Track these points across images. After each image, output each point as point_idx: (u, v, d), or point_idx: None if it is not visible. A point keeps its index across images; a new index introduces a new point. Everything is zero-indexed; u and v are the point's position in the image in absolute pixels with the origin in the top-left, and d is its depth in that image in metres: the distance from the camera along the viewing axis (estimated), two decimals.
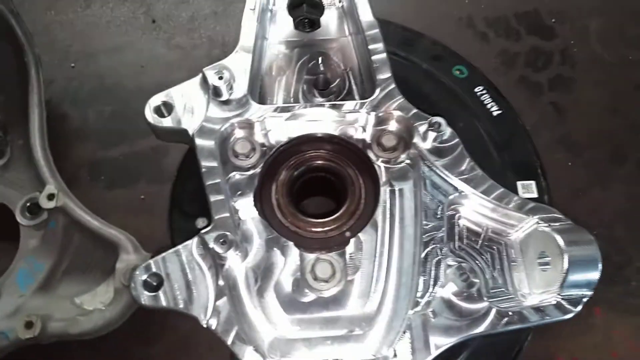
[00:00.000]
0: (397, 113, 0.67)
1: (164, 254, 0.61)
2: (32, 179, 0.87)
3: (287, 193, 0.68)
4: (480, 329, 0.58)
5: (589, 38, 1.04)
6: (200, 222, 0.72)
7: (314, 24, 0.72)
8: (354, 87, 0.74)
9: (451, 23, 1.01)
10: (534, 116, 0.95)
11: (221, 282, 0.59)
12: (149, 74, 0.99)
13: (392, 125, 0.68)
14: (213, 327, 0.58)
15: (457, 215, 0.65)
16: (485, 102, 0.77)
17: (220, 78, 0.68)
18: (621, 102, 0.99)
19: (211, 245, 0.59)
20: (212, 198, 0.63)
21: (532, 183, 0.73)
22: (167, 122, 0.68)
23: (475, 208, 0.64)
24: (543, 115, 0.96)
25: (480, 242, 0.65)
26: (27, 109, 0.87)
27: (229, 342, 0.57)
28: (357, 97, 0.74)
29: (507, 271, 0.64)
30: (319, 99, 0.73)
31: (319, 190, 0.74)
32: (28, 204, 0.83)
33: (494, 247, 0.65)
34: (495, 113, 0.77)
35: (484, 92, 0.78)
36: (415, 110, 0.68)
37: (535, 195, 0.72)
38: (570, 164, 0.93)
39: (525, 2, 1.06)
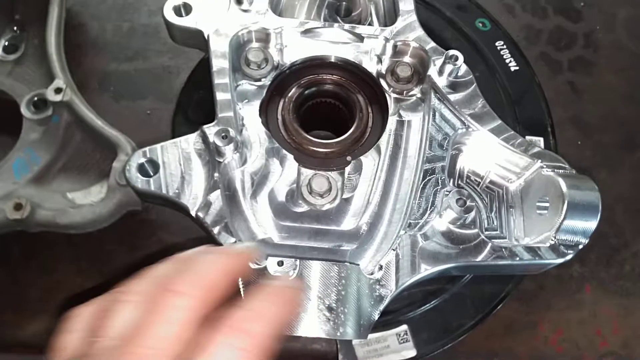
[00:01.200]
0: (414, 44, 0.67)
1: (162, 143, 0.61)
2: (43, 76, 0.86)
3: (293, 110, 0.68)
4: (470, 258, 0.58)
5: (615, 26, 1.03)
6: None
7: None
8: (374, 18, 0.74)
9: None
10: (550, 92, 0.93)
11: (216, 175, 0.59)
12: None
13: (408, 56, 0.68)
14: (202, 217, 0.57)
15: (460, 155, 0.64)
16: (504, 56, 0.77)
17: None
18: (639, 91, 0.98)
19: (211, 138, 0.59)
20: (219, 96, 0.63)
21: (541, 139, 0.72)
22: (184, 21, 0.68)
23: (480, 148, 0.64)
24: (558, 93, 0.95)
25: (481, 183, 0.64)
26: (47, 7, 0.88)
27: (216, 232, 0.56)
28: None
29: (505, 215, 0.63)
30: (332, 23, 0.72)
31: (325, 121, 0.73)
32: (35, 99, 0.83)
33: (494, 190, 0.64)
34: (512, 68, 0.76)
35: (504, 47, 0.77)
36: (433, 44, 0.67)
37: None
38: (579, 142, 0.92)
39: None
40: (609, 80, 0.99)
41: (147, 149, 0.60)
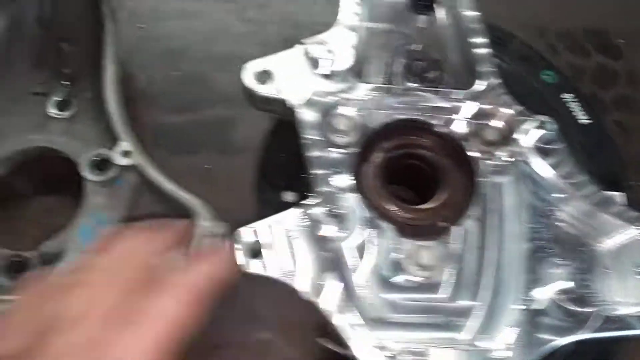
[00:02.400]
0: (502, 108, 0.67)
1: (265, 221, 0.60)
2: (100, 134, 0.84)
3: (382, 176, 0.67)
4: (589, 331, 0.58)
5: None
6: (288, 195, 0.70)
7: (430, 7, 0.72)
8: (446, 78, 0.74)
9: (525, 32, 1.01)
10: None
11: (325, 256, 0.58)
12: (219, 43, 0.97)
13: (495, 119, 0.68)
14: (317, 302, 0.56)
15: (556, 217, 0.65)
16: (572, 109, 0.78)
17: (327, 51, 0.67)
18: None
19: (318, 217, 0.58)
20: (315, 171, 0.62)
21: (623, 195, 0.73)
22: (266, 89, 0.67)
23: (575, 211, 0.65)
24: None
25: (574, 246, 0.65)
26: (99, 62, 0.85)
27: (334, 320, 0.56)
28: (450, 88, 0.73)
29: (599, 278, 0.64)
30: (415, 85, 0.72)
31: (408, 179, 0.73)
32: (96, 159, 0.80)
33: (586, 252, 0.65)
34: (583, 122, 0.77)
35: (574, 99, 0.78)
36: (521, 108, 0.68)
37: None
38: (632, 183, 0.94)
39: (595, 20, 1.07)
40: None
41: (253, 228, 0.58)
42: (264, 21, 1.00)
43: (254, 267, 0.58)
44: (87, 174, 0.80)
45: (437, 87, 0.70)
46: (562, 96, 0.79)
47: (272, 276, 0.58)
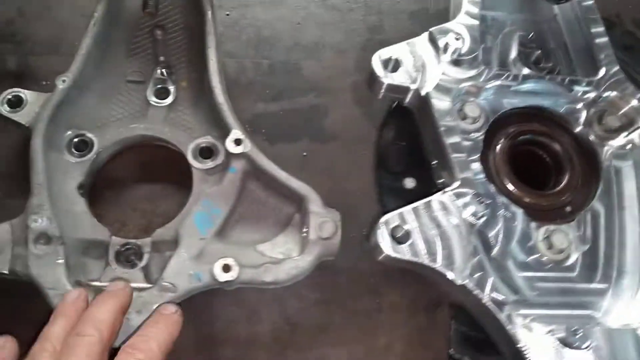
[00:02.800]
0: (626, 98, 0.69)
1: (407, 208, 0.61)
2: (201, 123, 0.84)
3: (507, 161, 0.69)
4: None
5: None
6: (408, 182, 0.71)
7: None
8: (562, 66, 0.75)
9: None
10: None
11: (469, 239, 0.60)
12: (306, 31, 0.97)
13: (618, 107, 0.70)
14: (468, 285, 0.58)
15: None
16: None
17: (454, 39, 0.68)
18: None
19: (467, 202, 0.59)
20: (455, 157, 0.63)
21: None
22: (395, 77, 0.68)
23: None
24: None
25: None
26: (195, 51, 0.85)
27: (485, 298, 0.57)
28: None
29: None
30: (536, 73, 0.73)
31: (530, 165, 0.74)
32: (201, 147, 0.81)
33: None
34: None
35: None
36: None
37: None
38: None
39: None
40: None
41: (397, 213, 0.60)
42: (347, 9, 1.00)
43: (401, 252, 0.59)
44: (195, 162, 0.81)
45: (555, 75, 0.71)
46: None
47: (418, 261, 0.59)
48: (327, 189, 0.78)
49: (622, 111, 0.69)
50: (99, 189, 0.82)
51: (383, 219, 0.59)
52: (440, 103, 0.66)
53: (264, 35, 0.96)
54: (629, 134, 0.69)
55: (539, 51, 0.73)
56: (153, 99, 0.85)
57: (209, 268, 0.71)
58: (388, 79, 0.67)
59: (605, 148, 0.69)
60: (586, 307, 0.61)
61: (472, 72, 0.68)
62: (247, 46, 0.96)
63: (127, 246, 0.76)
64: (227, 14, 0.97)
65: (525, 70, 0.71)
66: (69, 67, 0.79)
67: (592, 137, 0.69)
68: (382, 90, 0.70)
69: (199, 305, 0.78)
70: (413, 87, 0.66)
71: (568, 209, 0.67)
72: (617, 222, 0.65)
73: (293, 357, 0.76)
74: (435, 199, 0.60)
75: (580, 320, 0.59)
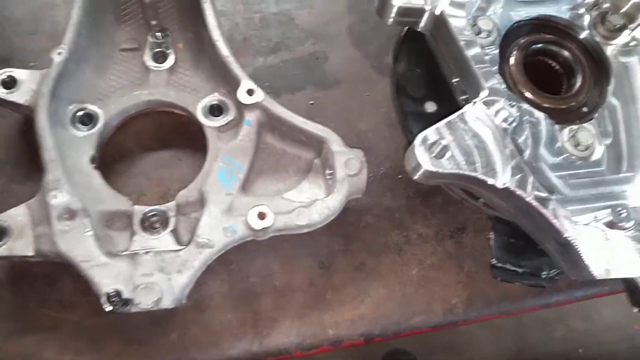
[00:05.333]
0: None
1: (441, 123, 0.61)
2: (205, 81, 0.83)
3: (523, 71, 0.70)
4: None
5: None
6: (429, 105, 0.72)
7: None
8: None
9: None
10: None
11: (509, 145, 0.60)
12: None
13: (618, 6, 0.71)
14: (510, 187, 0.59)
15: None
16: None
17: None
18: None
19: (499, 108, 0.60)
20: (479, 67, 0.64)
21: None
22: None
23: None
24: None
25: None
26: (188, 10, 0.83)
27: (529, 197, 0.59)
28: None
29: None
30: None
31: (543, 74, 0.75)
32: (210, 105, 0.79)
33: None
34: None
35: None
36: None
37: None
38: None
39: None
40: None
41: (433, 129, 0.60)
42: None
43: (441, 166, 0.59)
44: (207, 121, 0.79)
45: None
46: None
47: (460, 172, 0.59)
48: (339, 133, 0.77)
49: (623, 9, 0.71)
50: (110, 161, 0.80)
51: (420, 136, 0.59)
52: (456, 20, 0.66)
53: None
54: (632, 30, 0.71)
55: None
56: (151, 64, 0.83)
57: (242, 219, 0.70)
58: (400, 1, 0.66)
59: (611, 47, 0.71)
60: (618, 197, 0.63)
61: None
62: (236, 2, 0.94)
63: (152, 213, 0.75)
64: None
65: None
66: (54, 44, 0.76)
67: (597, 39, 0.71)
68: (393, 15, 0.69)
69: (233, 264, 0.77)
70: (427, 7, 0.66)
71: (585, 109, 0.69)
72: (633, 113, 0.67)
73: (332, 297, 0.77)
74: (468, 109, 0.61)
75: (614, 208, 0.61)
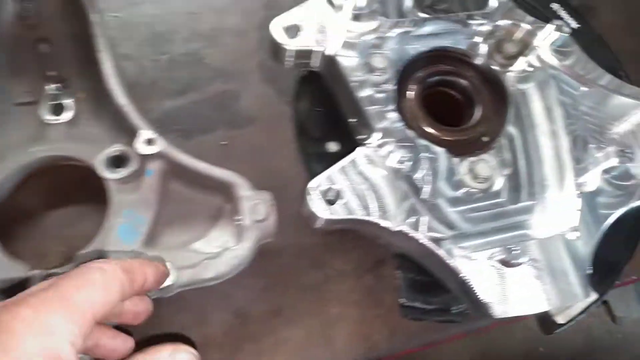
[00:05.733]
0: (518, 24, 0.71)
1: (332, 169, 0.60)
2: (107, 132, 0.79)
3: (421, 105, 0.69)
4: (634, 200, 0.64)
5: None
6: (331, 145, 0.70)
7: None
8: (455, 5, 0.76)
9: None
10: None
11: (398, 186, 0.59)
12: (202, 19, 0.93)
13: (512, 34, 0.72)
14: (405, 229, 0.58)
15: (583, 110, 0.70)
16: (563, 16, 0.83)
17: None
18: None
19: (390, 150, 0.59)
20: (370, 109, 0.63)
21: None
22: (298, 42, 0.66)
23: (596, 101, 0.70)
24: None
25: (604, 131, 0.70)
26: (87, 58, 0.79)
27: (422, 239, 0.57)
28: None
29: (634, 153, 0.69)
30: (431, 15, 0.74)
31: (443, 106, 0.75)
32: (111, 157, 0.76)
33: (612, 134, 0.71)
34: (573, 27, 0.83)
35: (560, 7, 0.83)
36: (531, 18, 0.72)
37: None
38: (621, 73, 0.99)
39: None
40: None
41: (325, 176, 0.58)
42: None
43: (336, 212, 0.58)
44: (107, 174, 0.75)
45: (450, 14, 0.73)
46: (551, 6, 0.84)
47: (354, 217, 0.58)
48: (253, 173, 0.75)
49: (516, 35, 0.71)
50: (9, 224, 0.75)
51: (311, 184, 0.58)
52: (348, 60, 0.65)
53: (159, 30, 0.92)
54: (527, 57, 0.71)
55: None
56: (50, 117, 0.79)
57: None
58: (291, 45, 0.65)
59: (509, 74, 0.71)
60: (519, 227, 0.62)
61: (374, 25, 0.68)
62: (142, 45, 0.91)
63: (50, 277, 0.71)
64: (116, 16, 0.92)
65: (420, 15, 0.72)
66: None
67: (495, 67, 0.71)
68: (288, 58, 0.68)
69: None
70: (318, 48, 0.65)
71: (485, 138, 0.68)
72: (531, 141, 0.67)
73: (249, 349, 0.74)
74: (359, 153, 0.60)
75: (516, 240, 0.61)
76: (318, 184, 0.57)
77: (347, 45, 0.65)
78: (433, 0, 0.74)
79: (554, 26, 0.68)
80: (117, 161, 0.78)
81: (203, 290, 0.73)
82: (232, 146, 0.85)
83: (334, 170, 0.59)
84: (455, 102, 0.73)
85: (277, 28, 0.66)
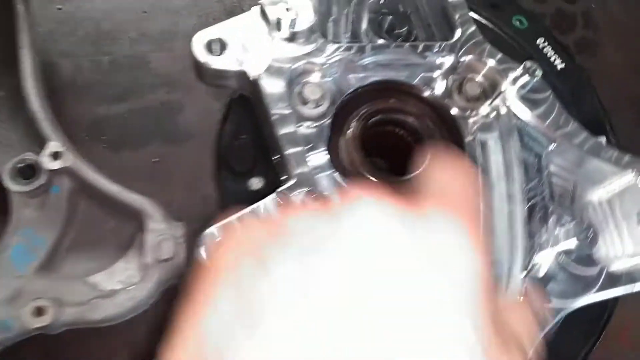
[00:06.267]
0: (483, 58, 0.61)
1: (230, 219, 0.51)
2: (23, 138, 0.71)
3: (360, 147, 0.59)
4: (594, 291, 0.53)
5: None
6: (255, 182, 0.61)
7: None
8: (416, 32, 0.66)
9: None
10: None
11: None
12: (153, 20, 0.85)
13: (478, 72, 0.61)
14: None
15: (550, 172, 0.60)
16: (548, 54, 0.73)
17: (286, 10, 0.57)
18: None
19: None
20: (289, 150, 0.53)
21: (603, 138, 0.69)
22: (221, 61, 0.57)
23: (567, 162, 0.59)
24: None
25: (570, 200, 0.60)
26: (11, 54, 0.72)
27: None
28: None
29: (599, 232, 0.59)
30: (386, 42, 0.64)
31: (387, 148, 0.65)
32: (20, 166, 0.68)
33: (582, 205, 0.60)
34: (559, 67, 0.72)
35: (546, 44, 0.73)
36: (500, 55, 0.61)
37: None
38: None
39: None
40: (613, 58, 0.98)
41: (217, 227, 0.49)
42: None
43: None
44: (12, 185, 0.68)
45: (408, 43, 0.63)
46: (537, 42, 0.74)
47: None
48: (183, 198, 0.67)
49: (481, 74, 0.61)
50: None
51: (204, 236, 0.49)
52: (272, 87, 0.55)
53: (104, 28, 0.84)
54: (493, 101, 0.61)
55: (391, 17, 0.64)
56: None
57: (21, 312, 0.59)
58: (211, 63, 0.56)
59: (470, 120, 0.61)
60: None
61: (309, 48, 0.58)
62: (84, 43, 0.82)
63: None
64: (59, 8, 0.84)
65: (374, 41, 0.62)
66: None
67: (454, 110, 0.61)
68: (209, 78, 0.59)
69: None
70: (237, 69, 0.56)
71: None
72: (486, 202, 0.57)
73: None
74: (263, 204, 0.50)
75: None
76: (208, 234, 0.48)
77: (274, 69, 0.56)
78: (392, 24, 0.64)
79: (522, 69, 0.58)
80: (27, 172, 0.71)
81: (102, 328, 0.64)
82: (164, 164, 0.77)
83: (230, 220, 0.49)
84: (404, 145, 0.63)
85: (198, 43, 0.56)
